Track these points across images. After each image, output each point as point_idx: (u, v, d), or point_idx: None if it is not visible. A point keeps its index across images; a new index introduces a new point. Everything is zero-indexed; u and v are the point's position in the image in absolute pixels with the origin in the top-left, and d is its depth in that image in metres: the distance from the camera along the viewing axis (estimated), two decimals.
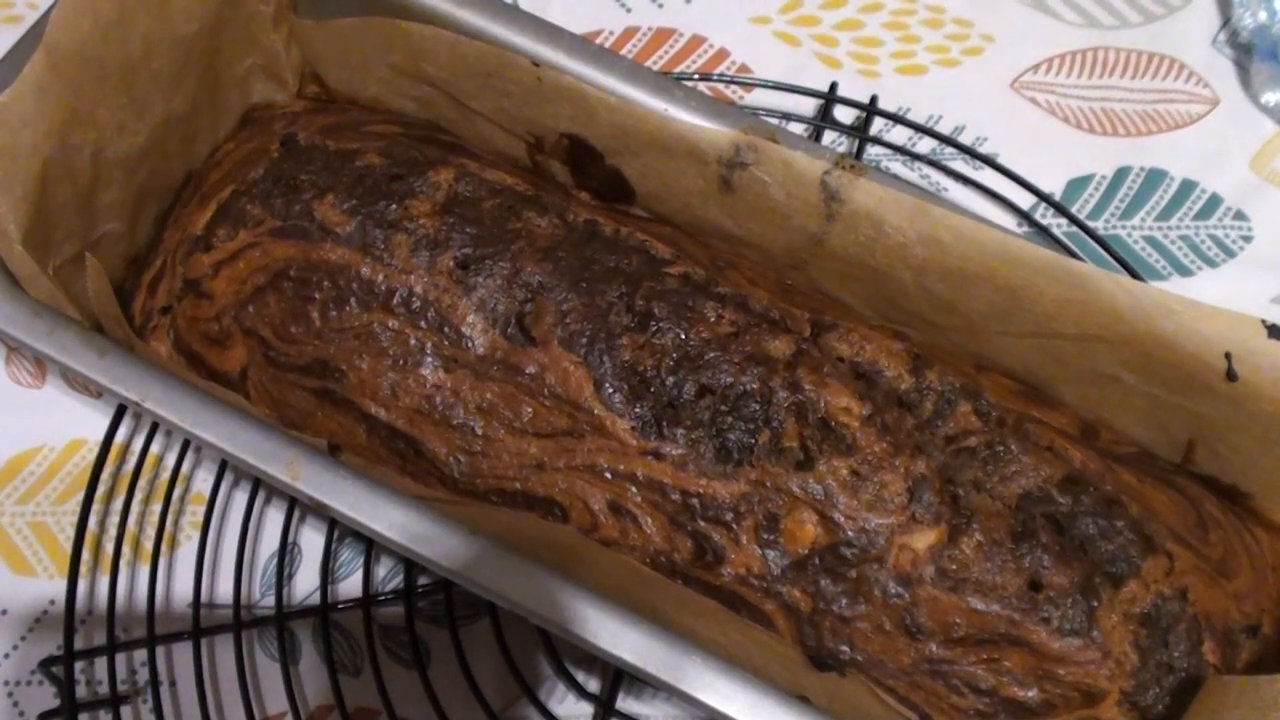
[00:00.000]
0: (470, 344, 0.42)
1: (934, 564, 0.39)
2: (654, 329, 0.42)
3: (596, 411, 0.41)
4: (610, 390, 0.42)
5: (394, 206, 0.44)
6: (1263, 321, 0.39)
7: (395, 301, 0.43)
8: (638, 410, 0.41)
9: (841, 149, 0.57)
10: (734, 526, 0.40)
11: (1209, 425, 0.42)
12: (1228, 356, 0.39)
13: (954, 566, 0.39)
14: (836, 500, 0.40)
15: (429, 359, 0.42)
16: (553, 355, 0.42)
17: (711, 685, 0.35)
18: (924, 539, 0.40)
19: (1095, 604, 0.39)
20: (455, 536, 0.37)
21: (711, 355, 0.42)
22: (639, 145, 0.45)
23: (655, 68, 0.60)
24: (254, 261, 0.44)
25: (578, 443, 0.41)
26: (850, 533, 0.40)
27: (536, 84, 0.44)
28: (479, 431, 0.42)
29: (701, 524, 0.40)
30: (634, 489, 0.41)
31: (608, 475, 0.41)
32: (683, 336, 0.42)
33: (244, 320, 0.44)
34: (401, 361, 0.42)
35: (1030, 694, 0.39)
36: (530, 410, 0.42)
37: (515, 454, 0.42)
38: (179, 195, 0.49)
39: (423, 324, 0.43)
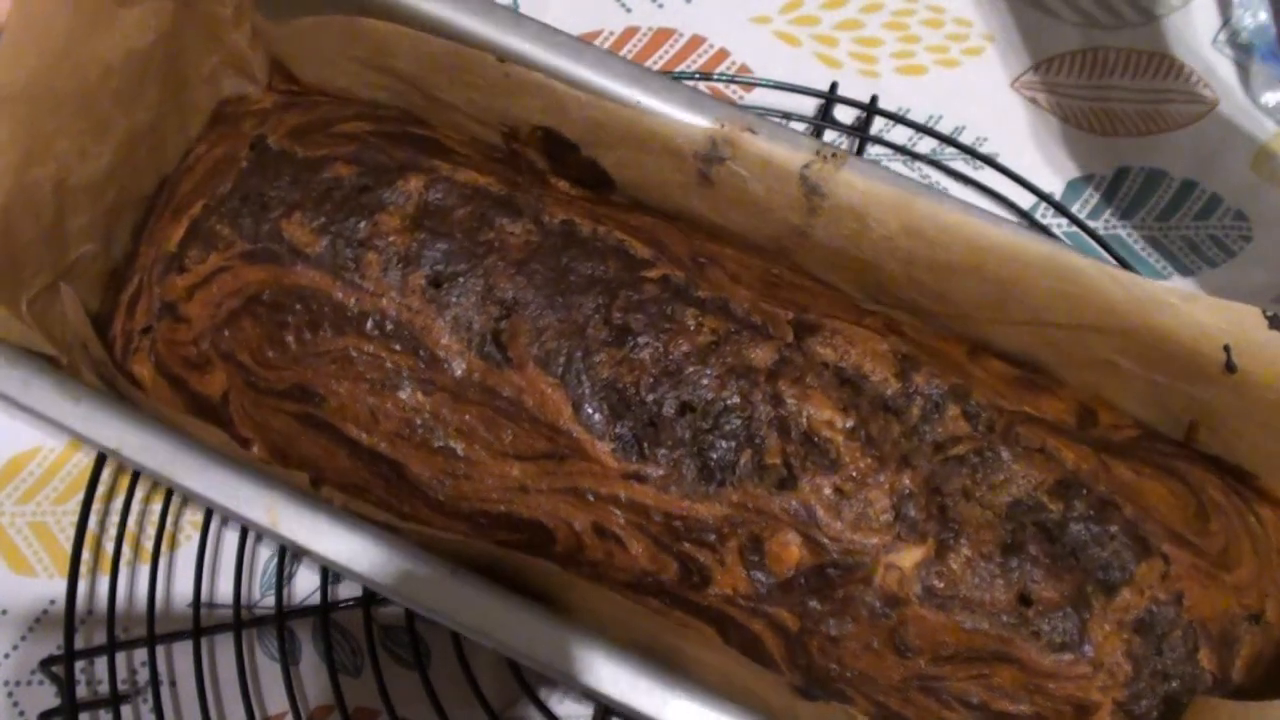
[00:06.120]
0: (447, 366, 0.41)
1: (921, 582, 0.39)
2: (632, 344, 0.41)
3: (576, 434, 0.41)
4: (590, 411, 0.41)
5: (363, 224, 0.43)
6: (1263, 312, 0.38)
7: (369, 326, 0.42)
8: (618, 431, 0.40)
9: (842, 148, 0.57)
10: (718, 548, 0.40)
11: (1210, 410, 0.41)
12: (1226, 349, 0.39)
13: (941, 584, 0.39)
14: (820, 521, 0.39)
15: (406, 382, 0.42)
16: (529, 377, 0.41)
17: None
18: (911, 557, 0.39)
19: (1087, 615, 0.38)
20: (438, 576, 0.37)
21: (691, 369, 0.41)
22: (613, 139, 0.44)
23: (655, 68, 0.60)
24: (226, 285, 0.44)
25: (559, 465, 0.41)
26: (835, 554, 0.39)
27: (504, 79, 0.43)
28: (461, 454, 0.41)
29: (686, 546, 0.40)
30: (617, 511, 0.40)
31: (590, 498, 0.40)
32: (662, 350, 0.41)
33: (220, 345, 0.43)
34: (379, 385, 0.42)
35: (1021, 708, 0.38)
36: (510, 433, 0.41)
37: (498, 477, 0.41)
38: (153, 205, 0.48)
39: (397, 347, 0.42)
